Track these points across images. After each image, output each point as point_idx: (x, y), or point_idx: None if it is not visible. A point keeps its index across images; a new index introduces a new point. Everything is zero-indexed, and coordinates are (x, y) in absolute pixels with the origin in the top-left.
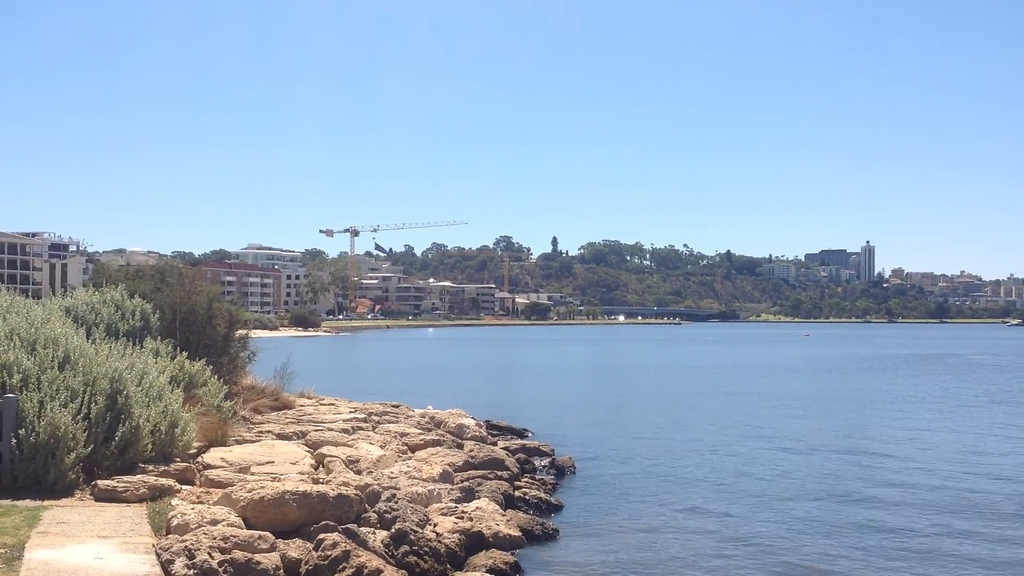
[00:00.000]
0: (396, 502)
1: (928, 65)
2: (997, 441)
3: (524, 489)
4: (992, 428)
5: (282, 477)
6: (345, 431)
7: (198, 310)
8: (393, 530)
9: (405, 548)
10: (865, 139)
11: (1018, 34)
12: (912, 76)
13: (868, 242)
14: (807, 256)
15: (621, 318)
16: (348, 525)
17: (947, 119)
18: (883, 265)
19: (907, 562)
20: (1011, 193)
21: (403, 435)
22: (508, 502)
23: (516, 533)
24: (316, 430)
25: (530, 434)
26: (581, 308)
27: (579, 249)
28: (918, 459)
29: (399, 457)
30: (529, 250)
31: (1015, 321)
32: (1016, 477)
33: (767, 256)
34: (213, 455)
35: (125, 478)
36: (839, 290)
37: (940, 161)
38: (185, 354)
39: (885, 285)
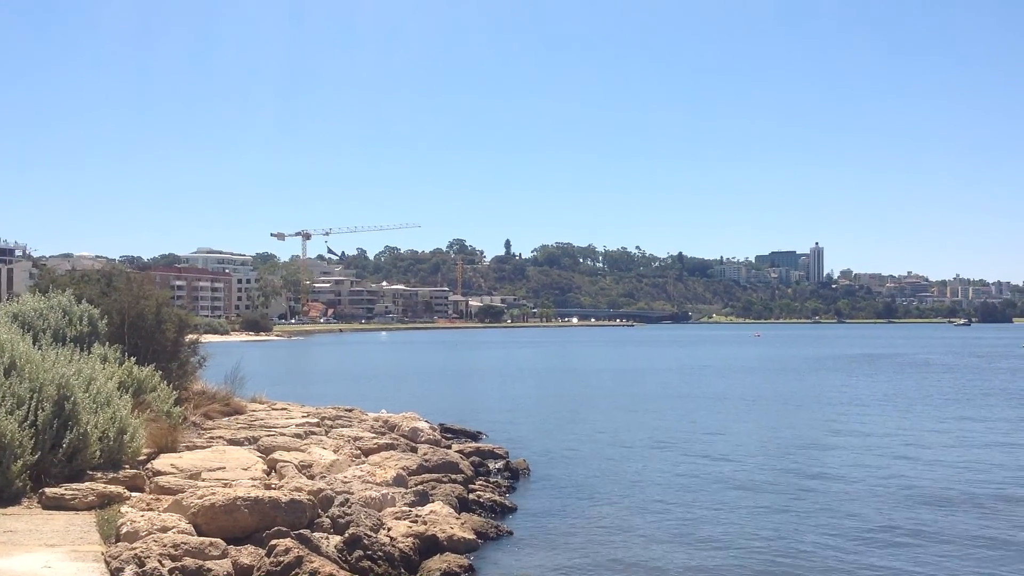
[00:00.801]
0: (349, 507)
1: (873, 69)
2: (946, 436)
3: (478, 492)
4: (945, 425)
5: (233, 483)
6: (298, 436)
7: (147, 315)
8: (347, 535)
9: (359, 553)
10: (813, 141)
11: (959, 37)
12: (858, 80)
13: (817, 243)
14: (758, 258)
15: (574, 320)
16: (301, 531)
17: (894, 122)
18: (832, 266)
19: (860, 555)
20: (957, 194)
21: (357, 439)
22: (462, 505)
23: (470, 536)
24: (268, 435)
25: (484, 437)
26: (534, 310)
27: (532, 251)
28: (870, 455)
29: (352, 461)
30: (482, 253)
31: (961, 321)
32: (964, 471)
33: (718, 258)
34: (163, 461)
35: (73, 486)
36: (789, 291)
37: (887, 163)
38: (134, 359)
39: (834, 286)
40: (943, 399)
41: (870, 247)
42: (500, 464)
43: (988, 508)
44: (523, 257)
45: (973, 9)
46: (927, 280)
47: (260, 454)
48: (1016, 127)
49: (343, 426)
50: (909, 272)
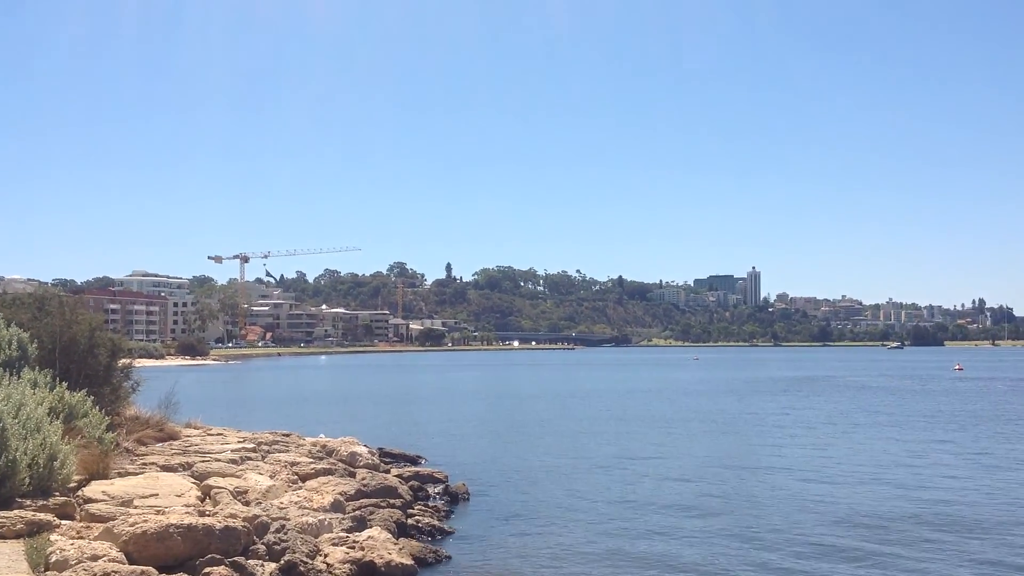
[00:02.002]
0: (285, 533)
1: (806, 93)
2: (883, 457)
3: (417, 517)
4: (881, 446)
5: (166, 510)
6: (233, 461)
7: (79, 339)
8: (282, 562)
9: None
10: (751, 167)
11: (892, 61)
12: (793, 106)
13: (754, 268)
14: (696, 281)
15: (515, 343)
16: (235, 558)
17: (829, 148)
18: (769, 290)
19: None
20: (889, 219)
21: (294, 464)
22: (401, 530)
23: (408, 561)
24: (203, 461)
25: (424, 461)
26: (475, 334)
27: (473, 275)
28: (804, 477)
29: (289, 487)
30: (423, 276)
31: (894, 344)
32: (900, 491)
33: (658, 282)
34: (94, 488)
35: (1, 513)
36: (727, 315)
37: (823, 188)
38: (65, 384)
39: (771, 309)
40: (880, 421)
41: (806, 271)
42: (439, 488)
43: (916, 529)
44: (464, 280)
45: (904, 31)
46: (861, 304)
47: (194, 480)
48: (948, 152)
49: (280, 451)
50: (843, 296)
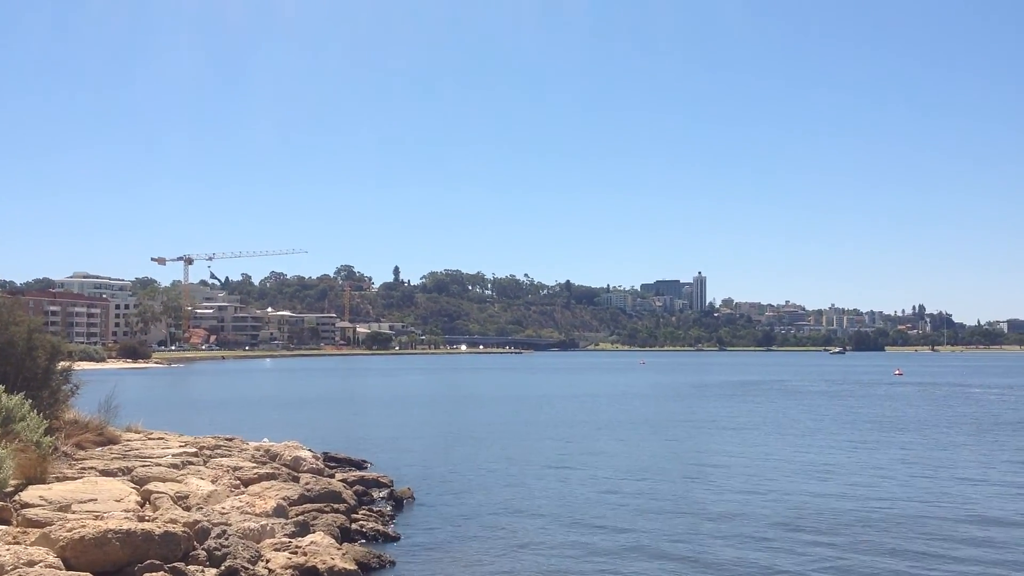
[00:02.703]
0: (227, 538)
1: (748, 105)
2: (827, 460)
3: (361, 521)
4: (821, 449)
5: (105, 515)
6: (174, 466)
7: (17, 341)
8: (223, 567)
9: None
10: (698, 174)
11: (834, 80)
12: (737, 116)
13: (700, 273)
14: (643, 286)
15: (463, 347)
16: (175, 564)
17: (773, 156)
18: (714, 295)
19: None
20: (832, 227)
21: (236, 469)
22: (344, 535)
23: (351, 567)
24: (143, 466)
25: (369, 465)
26: (423, 337)
27: (421, 278)
28: (745, 478)
29: (231, 492)
30: (371, 279)
31: (836, 349)
32: (838, 491)
33: (605, 286)
34: (31, 493)
35: None
36: (673, 319)
37: (768, 195)
38: (2, 388)
39: (716, 314)
40: (821, 426)
41: (751, 277)
42: (384, 493)
43: (854, 528)
44: (412, 284)
45: (832, 55)
46: (804, 309)
47: (134, 485)
48: (888, 165)
49: (222, 456)
50: (787, 301)
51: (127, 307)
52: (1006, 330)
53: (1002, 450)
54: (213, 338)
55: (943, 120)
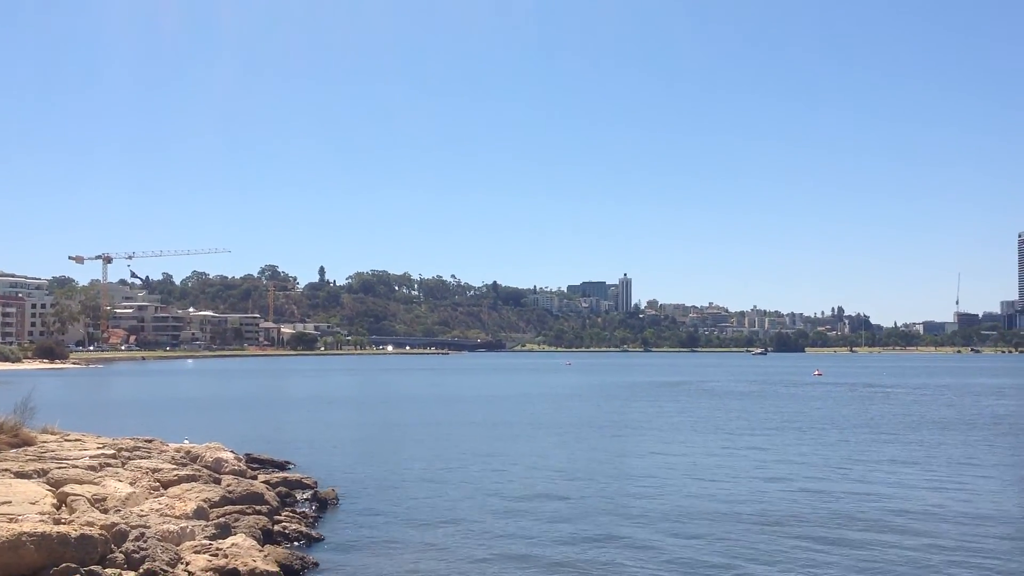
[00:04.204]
0: (145, 541)
1: (673, 112)
2: (741, 462)
3: (284, 523)
4: (741, 448)
5: (19, 518)
6: (92, 468)
7: None
8: (142, 570)
9: None
10: (623, 177)
11: (761, 79)
12: (663, 120)
13: (625, 274)
14: (569, 287)
15: (389, 348)
16: (92, 567)
17: (697, 162)
18: (639, 296)
19: (664, 567)
20: (754, 230)
21: (155, 471)
22: (267, 537)
23: (273, 569)
24: (59, 467)
25: (293, 467)
26: (349, 338)
27: (347, 279)
28: (663, 477)
29: (150, 494)
30: (295, 279)
31: (758, 350)
32: (757, 488)
33: (532, 287)
34: None
35: None
36: (599, 320)
37: (691, 199)
38: None
39: (641, 316)
40: (742, 426)
41: (675, 278)
42: (308, 494)
43: (773, 525)
44: (338, 284)
45: (773, 58)
46: (727, 311)
47: (50, 487)
48: (809, 170)
49: (142, 458)
50: (711, 303)
51: (43, 306)
52: (922, 331)
53: (910, 446)
54: (133, 338)
55: (863, 125)
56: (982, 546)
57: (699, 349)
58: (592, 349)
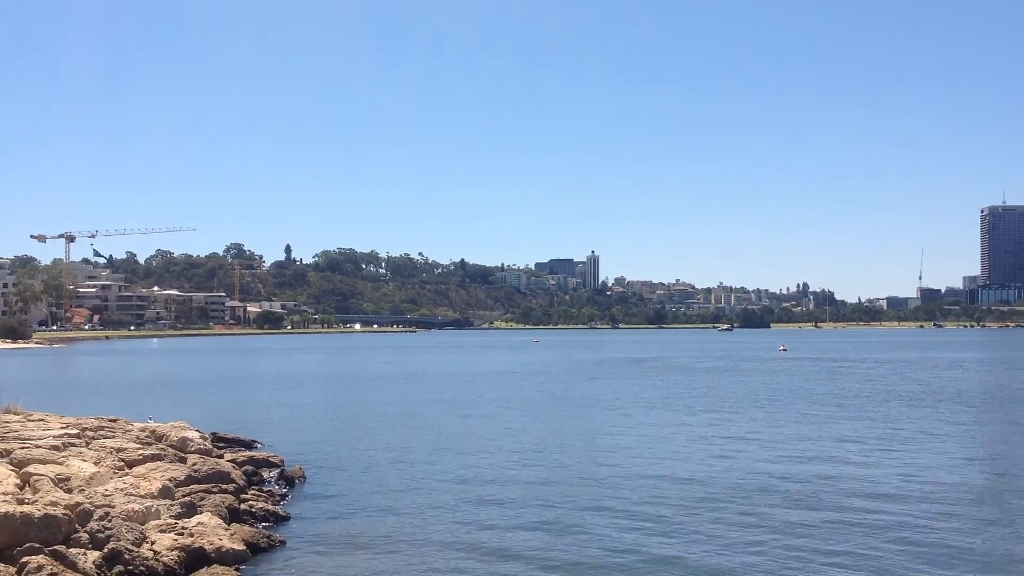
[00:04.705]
0: (110, 521)
1: (635, 92)
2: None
3: (251, 502)
4: (708, 423)
5: None
6: (55, 448)
7: None
8: (106, 550)
9: (119, 568)
10: (589, 154)
11: (724, 55)
12: (628, 94)
13: (593, 252)
14: (537, 265)
15: (357, 326)
16: (56, 547)
17: (663, 137)
18: (607, 274)
19: (634, 544)
20: (720, 206)
21: (120, 451)
22: (233, 515)
23: (240, 547)
24: (22, 447)
25: (259, 445)
26: (316, 316)
27: (314, 257)
28: (633, 454)
29: (115, 474)
30: (261, 258)
31: (725, 326)
32: (726, 463)
33: (500, 265)
34: None
35: None
36: (567, 297)
37: (658, 175)
38: None
39: (608, 293)
40: (709, 402)
41: (643, 255)
42: (275, 473)
43: (745, 500)
44: (304, 262)
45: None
46: (694, 288)
47: (13, 468)
48: (773, 146)
49: (106, 437)
50: (678, 280)
51: (5, 286)
52: (885, 307)
53: (874, 420)
54: (97, 318)
55: (823, 105)
56: (943, 520)
57: (666, 326)
58: (560, 326)
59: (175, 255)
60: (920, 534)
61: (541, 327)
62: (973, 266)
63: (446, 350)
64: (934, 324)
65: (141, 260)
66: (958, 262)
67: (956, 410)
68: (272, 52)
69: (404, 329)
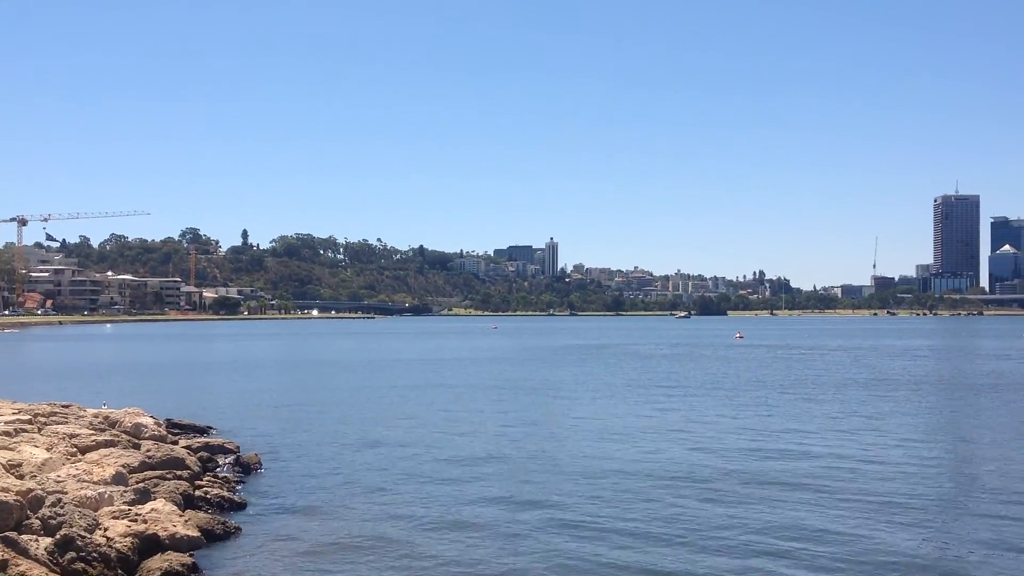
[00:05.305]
0: (62, 507)
1: (593, 82)
2: (656, 422)
3: (206, 488)
4: (666, 410)
5: None
6: (7, 434)
7: None
8: (58, 536)
9: (72, 555)
10: (549, 140)
11: (682, 59)
12: (586, 84)
13: (552, 239)
14: (496, 252)
15: (315, 312)
16: (7, 533)
17: (621, 125)
18: (566, 261)
19: (576, 529)
20: (678, 195)
21: (73, 436)
22: (188, 502)
23: (195, 533)
24: None
25: (215, 432)
26: (273, 302)
27: (271, 242)
28: (591, 440)
29: (67, 460)
30: (217, 243)
31: (682, 314)
32: (681, 449)
33: (459, 251)
34: None
35: None
36: (526, 284)
37: (616, 164)
38: None
39: (567, 280)
40: (677, 387)
41: (601, 243)
42: (230, 459)
43: (690, 483)
44: (261, 248)
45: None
46: (652, 275)
47: None
48: (730, 135)
49: (58, 423)
50: (636, 267)
51: None
52: (840, 295)
53: (826, 404)
54: (49, 303)
55: (780, 96)
56: (893, 500)
57: (624, 313)
58: (519, 313)
59: (130, 240)
60: (870, 520)
61: (500, 314)
62: (926, 255)
63: (404, 336)
64: (888, 312)
65: (95, 244)
66: (911, 251)
67: (908, 396)
68: (226, 36)
69: (362, 315)
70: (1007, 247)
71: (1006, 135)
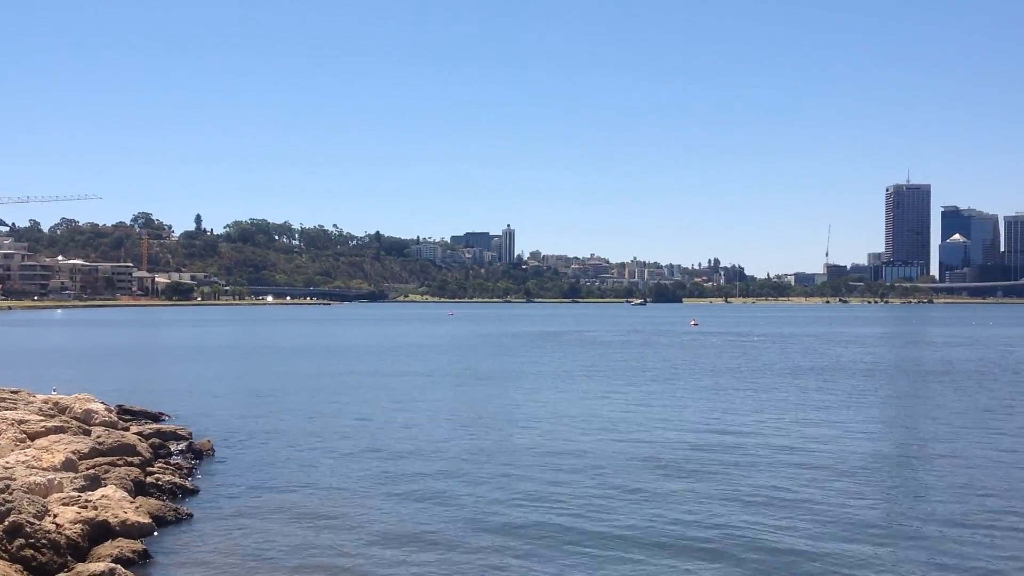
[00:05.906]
0: (11, 493)
1: (553, 70)
2: (618, 407)
3: (157, 475)
4: (623, 396)
5: None
6: None
7: None
8: (7, 523)
9: (20, 541)
10: (505, 128)
11: (641, 51)
12: (545, 72)
13: (509, 226)
14: (453, 238)
15: (269, 298)
16: None
17: (576, 113)
18: (522, 248)
19: (544, 518)
20: (634, 182)
21: (22, 422)
22: (139, 488)
23: (146, 520)
24: None
25: (167, 418)
26: (227, 288)
27: (225, 227)
28: (546, 424)
29: (16, 446)
30: (170, 228)
31: (638, 301)
32: (642, 435)
33: (415, 238)
34: None
35: None
36: (482, 271)
37: (573, 152)
38: None
39: (524, 267)
40: (630, 373)
41: (558, 230)
42: (183, 446)
43: (657, 468)
44: (215, 233)
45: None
46: (608, 262)
47: None
48: (686, 124)
49: (7, 409)
50: (592, 254)
51: None
52: (793, 283)
53: (777, 391)
54: None
55: (733, 86)
56: (845, 488)
57: (581, 300)
58: (475, 300)
59: (80, 224)
60: (818, 503)
61: (456, 300)
62: (878, 243)
63: (360, 323)
64: (840, 300)
65: (45, 228)
66: (864, 239)
67: (856, 382)
68: (180, 22)
69: (318, 301)
70: (957, 236)
71: (958, 125)
